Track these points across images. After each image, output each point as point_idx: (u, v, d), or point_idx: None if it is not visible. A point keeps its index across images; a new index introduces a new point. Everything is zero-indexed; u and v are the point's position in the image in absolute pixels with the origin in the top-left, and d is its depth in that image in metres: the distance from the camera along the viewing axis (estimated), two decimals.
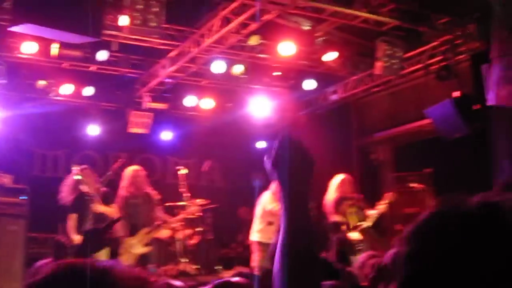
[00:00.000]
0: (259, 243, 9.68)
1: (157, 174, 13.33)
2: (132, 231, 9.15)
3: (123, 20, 8.33)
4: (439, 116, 9.66)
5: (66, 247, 8.06)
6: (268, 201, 9.67)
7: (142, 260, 9.00)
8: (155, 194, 9.50)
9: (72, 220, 8.38)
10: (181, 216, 10.08)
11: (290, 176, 1.82)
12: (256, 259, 9.47)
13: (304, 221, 1.68)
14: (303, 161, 1.76)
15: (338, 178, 9.80)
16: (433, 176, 10.69)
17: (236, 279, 3.09)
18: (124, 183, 9.44)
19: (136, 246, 9.09)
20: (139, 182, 9.44)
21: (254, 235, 9.83)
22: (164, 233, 9.69)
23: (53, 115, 11.95)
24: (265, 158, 1.93)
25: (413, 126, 11.88)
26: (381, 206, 9.54)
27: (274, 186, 9.57)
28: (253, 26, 9.20)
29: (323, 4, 8.41)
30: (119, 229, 9.07)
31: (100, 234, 7.57)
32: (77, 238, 8.12)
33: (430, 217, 1.09)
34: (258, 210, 9.81)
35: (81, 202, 8.32)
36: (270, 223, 9.61)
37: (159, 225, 9.37)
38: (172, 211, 10.17)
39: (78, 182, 8.18)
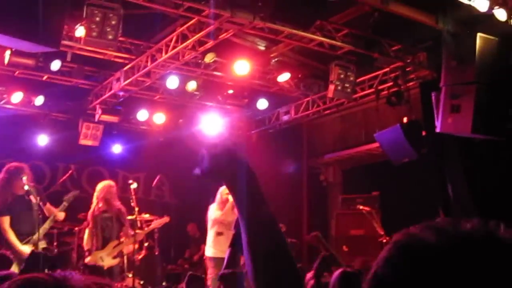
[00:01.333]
0: (211, 258, 9.62)
1: None
2: (103, 244, 9.32)
3: (80, 31, 8.29)
4: (388, 141, 9.87)
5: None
6: (213, 211, 9.73)
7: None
8: (124, 209, 9.62)
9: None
10: (146, 229, 10.25)
11: (230, 175, 1.85)
12: (209, 277, 9.38)
13: (261, 213, 1.69)
14: (235, 160, 1.80)
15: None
16: (380, 199, 10.90)
17: None
18: (97, 197, 9.54)
19: (105, 259, 9.26)
20: (112, 197, 9.53)
21: (207, 250, 9.80)
22: (129, 247, 9.71)
23: (2, 123, 11.74)
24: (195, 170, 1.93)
25: (362, 149, 12.12)
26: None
27: (218, 196, 9.64)
28: (209, 43, 9.26)
29: (280, 26, 8.51)
30: (88, 241, 9.30)
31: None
32: (25, 250, 7.97)
33: (395, 249, 1.13)
34: (208, 223, 9.83)
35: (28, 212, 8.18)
36: (219, 234, 9.59)
37: (129, 238, 9.49)
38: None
39: (27, 192, 8.04)
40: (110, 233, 9.43)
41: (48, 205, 8.74)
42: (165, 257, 12.22)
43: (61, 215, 8.96)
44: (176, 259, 12.79)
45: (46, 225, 8.54)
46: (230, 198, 9.62)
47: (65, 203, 9.05)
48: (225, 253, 9.22)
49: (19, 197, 8.29)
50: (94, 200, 9.56)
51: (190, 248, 13.00)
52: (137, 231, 9.74)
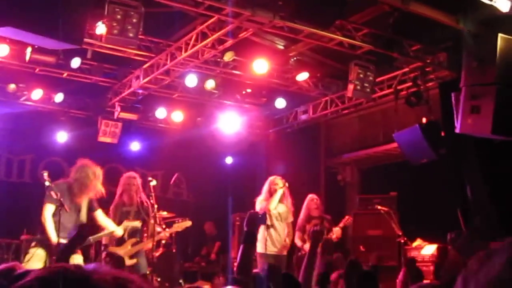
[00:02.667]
0: (262, 254, 9.40)
1: None
2: (119, 241, 8.81)
3: (101, 29, 8.34)
4: (407, 141, 9.83)
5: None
6: (260, 203, 9.61)
7: None
8: (149, 204, 9.04)
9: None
10: (168, 231, 9.78)
11: None
12: None
13: None
14: None
15: (308, 198, 9.95)
16: (398, 200, 10.86)
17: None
18: (118, 189, 9.20)
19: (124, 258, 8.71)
20: (132, 189, 9.03)
21: (258, 246, 9.39)
22: (148, 245, 9.16)
23: (22, 119, 11.85)
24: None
25: (380, 149, 12.09)
26: (337, 229, 9.68)
27: (265, 187, 9.55)
28: (229, 42, 9.28)
29: (300, 25, 8.52)
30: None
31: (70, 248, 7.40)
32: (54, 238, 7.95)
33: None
34: None
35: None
36: (269, 226, 9.42)
37: (152, 237, 8.95)
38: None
39: (48, 188, 8.05)
40: (129, 229, 8.84)
41: (98, 212, 8.55)
42: (182, 254, 12.27)
43: (120, 233, 8.68)
44: (193, 257, 12.83)
45: (100, 235, 8.44)
46: (279, 189, 9.59)
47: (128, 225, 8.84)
48: (277, 248, 9.22)
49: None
50: (118, 192, 9.20)
51: (207, 246, 13.04)
52: (160, 232, 9.46)
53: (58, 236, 7.68)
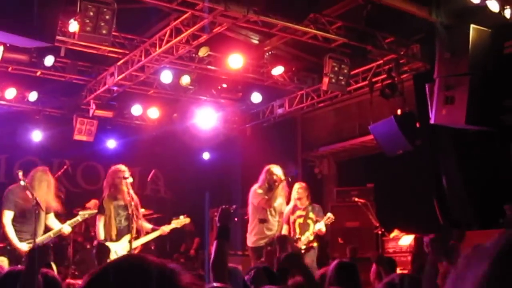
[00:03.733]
0: (253, 248, 9.23)
1: (101, 182, 13.17)
2: (117, 236, 8.54)
3: (73, 26, 8.28)
4: (382, 133, 9.90)
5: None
6: (256, 194, 9.26)
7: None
8: (137, 199, 8.81)
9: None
10: (166, 228, 9.27)
11: None
12: None
13: None
14: None
15: (295, 187, 9.72)
16: (375, 191, 10.94)
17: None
18: (106, 182, 8.84)
19: (120, 254, 8.28)
20: (122, 183, 8.61)
21: (248, 239, 9.32)
22: (145, 241, 8.97)
23: None
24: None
25: (356, 141, 12.16)
26: (320, 227, 9.51)
27: (263, 176, 9.34)
28: (203, 37, 9.26)
29: (274, 20, 8.53)
30: (102, 232, 8.53)
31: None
32: (23, 247, 7.92)
33: None
34: (250, 207, 9.36)
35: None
36: (262, 221, 9.18)
37: (143, 234, 8.78)
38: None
39: (24, 188, 7.99)
40: (123, 223, 8.58)
41: (51, 215, 8.48)
42: (161, 251, 12.23)
43: (67, 230, 8.55)
44: (172, 254, 12.80)
45: (50, 234, 8.30)
46: (281, 184, 9.26)
47: (78, 218, 8.67)
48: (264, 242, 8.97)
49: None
50: (104, 185, 8.87)
51: (185, 243, 13.01)
52: (163, 227, 9.11)
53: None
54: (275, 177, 9.20)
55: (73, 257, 10.35)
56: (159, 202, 12.90)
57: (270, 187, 9.27)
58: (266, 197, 9.20)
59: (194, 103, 12.94)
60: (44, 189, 8.27)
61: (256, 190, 9.33)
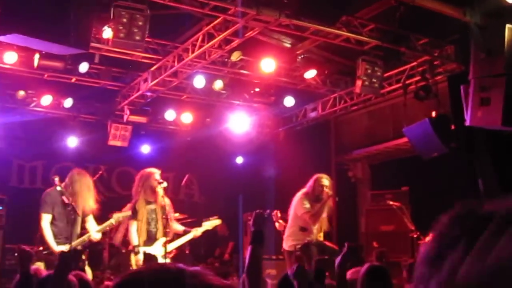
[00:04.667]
0: (288, 252, 9.12)
1: None
2: (148, 240, 8.63)
3: (107, 33, 8.36)
4: (417, 135, 9.80)
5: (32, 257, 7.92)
6: (302, 203, 9.08)
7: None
8: (170, 202, 8.94)
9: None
10: (198, 230, 9.37)
11: None
12: None
13: None
14: None
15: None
16: (410, 194, 10.83)
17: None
18: (138, 186, 8.91)
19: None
20: (155, 186, 8.73)
21: (285, 242, 9.24)
22: (179, 244, 9.09)
23: (32, 125, 11.92)
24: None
25: (391, 144, 12.03)
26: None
27: (311, 183, 9.12)
28: (236, 42, 9.29)
29: (306, 23, 8.51)
30: (135, 237, 8.59)
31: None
32: (58, 249, 8.03)
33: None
34: (291, 212, 9.23)
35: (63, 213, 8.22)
36: (303, 229, 9.03)
37: (179, 235, 8.88)
38: None
39: (60, 193, 8.11)
40: (156, 227, 8.68)
41: (89, 217, 8.57)
42: (195, 256, 12.28)
43: (96, 236, 8.59)
44: (207, 258, 12.85)
45: (84, 239, 8.38)
46: (328, 195, 9.18)
47: (112, 221, 8.68)
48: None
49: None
50: (135, 190, 8.93)
51: (220, 247, 13.05)
52: (193, 230, 9.21)
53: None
54: (321, 188, 9.10)
55: (108, 262, 10.44)
56: (193, 206, 12.95)
57: (317, 197, 9.14)
58: (312, 211, 9.03)
59: (227, 107, 12.98)
60: (83, 190, 8.35)
61: (302, 200, 9.15)
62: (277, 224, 9.63)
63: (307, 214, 9.01)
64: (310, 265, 6.26)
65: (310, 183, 9.26)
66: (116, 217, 8.72)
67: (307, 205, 9.08)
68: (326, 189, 9.12)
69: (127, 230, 9.11)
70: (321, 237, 9.36)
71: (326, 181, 9.25)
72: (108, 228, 8.86)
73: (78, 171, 8.72)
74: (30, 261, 4.62)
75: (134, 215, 8.71)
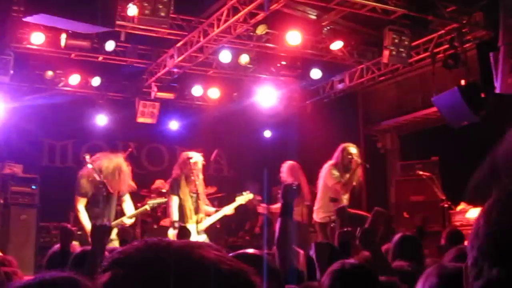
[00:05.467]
0: (320, 224, 9.03)
1: (165, 163, 13.40)
2: (190, 217, 8.62)
3: (132, 10, 8.38)
4: (446, 105, 9.70)
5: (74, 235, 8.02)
6: (331, 174, 8.94)
7: None
8: (203, 183, 8.96)
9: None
10: (235, 204, 9.40)
11: None
12: None
13: None
14: None
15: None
16: (440, 164, 10.74)
17: (251, 251, 3.14)
18: (180, 164, 8.86)
19: (192, 235, 8.28)
20: (195, 168, 8.69)
21: (316, 214, 9.15)
22: (211, 221, 9.02)
23: (61, 105, 12.04)
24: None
25: (419, 114, 11.94)
26: None
27: (339, 154, 9.00)
28: (261, 15, 9.23)
29: None
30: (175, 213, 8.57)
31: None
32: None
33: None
34: (320, 183, 9.13)
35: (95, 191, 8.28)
36: (333, 200, 8.86)
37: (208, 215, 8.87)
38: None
39: (92, 170, 8.17)
40: (195, 205, 8.66)
41: (126, 197, 8.58)
42: (226, 230, 12.38)
43: (129, 222, 8.56)
44: (237, 232, 12.94)
45: (112, 226, 8.39)
46: (358, 164, 9.07)
47: (147, 207, 8.74)
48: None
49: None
50: (177, 166, 8.88)
51: (250, 220, 13.12)
52: (224, 208, 9.19)
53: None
54: (350, 157, 9.01)
55: (141, 238, 10.57)
56: (222, 181, 13.01)
57: (346, 167, 9.01)
58: (343, 180, 8.94)
59: (254, 81, 12.96)
60: (114, 172, 8.37)
61: (331, 170, 9.03)
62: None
63: (338, 184, 8.93)
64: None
65: (337, 153, 9.15)
66: (151, 203, 8.77)
67: (337, 175, 8.98)
68: (355, 157, 9.03)
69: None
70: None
71: (353, 149, 9.14)
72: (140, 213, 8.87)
73: (109, 152, 8.75)
74: (71, 238, 4.80)
75: (173, 190, 8.70)
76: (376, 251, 4.42)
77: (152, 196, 10.93)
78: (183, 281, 1.07)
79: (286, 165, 9.49)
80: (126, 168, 8.54)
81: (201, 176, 8.86)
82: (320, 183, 9.18)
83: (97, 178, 8.05)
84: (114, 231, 7.99)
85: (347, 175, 8.97)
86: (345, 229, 5.03)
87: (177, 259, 1.10)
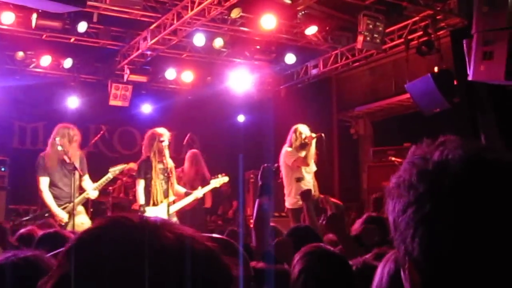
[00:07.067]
0: (292, 210, 8.88)
1: (138, 147, 13.28)
2: (159, 199, 8.54)
3: None
4: (419, 91, 9.74)
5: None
6: (288, 155, 8.90)
7: None
8: (173, 164, 8.87)
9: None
10: (206, 188, 9.34)
11: None
12: None
13: None
14: None
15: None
16: None
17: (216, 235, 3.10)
18: (145, 145, 8.76)
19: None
20: (162, 147, 8.57)
21: (286, 201, 9.06)
22: (185, 203, 8.99)
23: (32, 87, 11.88)
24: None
25: (393, 100, 11.99)
26: None
27: (293, 136, 8.94)
28: None
29: None
30: (142, 196, 8.52)
31: None
32: (60, 213, 8.07)
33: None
34: (282, 169, 9.03)
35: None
36: (298, 179, 8.86)
37: (181, 197, 8.85)
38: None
39: (61, 153, 8.09)
40: (165, 187, 8.53)
41: (86, 177, 8.51)
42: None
43: (94, 194, 8.53)
44: (210, 216, 12.90)
45: (78, 200, 8.30)
46: (312, 141, 8.88)
47: (109, 175, 8.61)
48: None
49: (63, 161, 8.24)
50: (144, 148, 8.80)
51: (223, 205, 13.09)
52: (195, 191, 9.09)
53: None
54: (303, 135, 9.01)
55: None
56: None
57: (302, 145, 8.96)
58: (301, 155, 8.99)
59: (228, 65, 12.90)
60: (73, 145, 8.29)
61: (287, 150, 9.01)
62: None
63: (298, 159, 8.93)
64: (310, 213, 6.23)
65: (290, 135, 9.10)
66: (112, 171, 8.67)
67: (294, 153, 8.94)
68: (306, 136, 9.00)
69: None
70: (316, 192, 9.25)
71: (304, 128, 9.06)
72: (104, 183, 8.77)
73: (63, 125, 8.60)
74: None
75: (140, 173, 8.62)
76: (341, 234, 4.45)
77: (124, 180, 10.86)
78: (156, 261, 1.03)
79: (188, 153, 9.33)
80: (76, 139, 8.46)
81: (168, 152, 8.75)
82: (282, 169, 9.12)
83: (67, 160, 7.98)
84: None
85: (304, 152, 8.96)
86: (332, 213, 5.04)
87: (150, 238, 1.06)
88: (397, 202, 1.11)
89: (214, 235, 3.13)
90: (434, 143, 1.13)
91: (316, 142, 9.03)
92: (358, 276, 3.08)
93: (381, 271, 1.95)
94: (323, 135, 9.01)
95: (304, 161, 8.92)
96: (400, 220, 1.09)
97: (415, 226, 1.06)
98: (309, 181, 9.07)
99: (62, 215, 8.02)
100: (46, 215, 7.96)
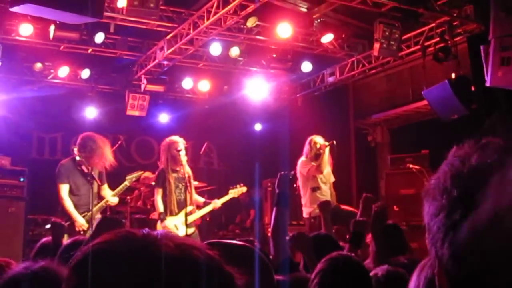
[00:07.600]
0: (307, 219, 9.02)
1: (155, 156, 13.34)
2: (178, 209, 8.56)
3: (121, 1, 8.31)
4: (437, 98, 9.69)
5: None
6: (304, 165, 9.08)
7: None
8: (191, 173, 8.91)
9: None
10: (228, 197, 9.45)
11: None
12: None
13: None
14: None
15: None
16: (430, 157, 10.75)
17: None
18: (162, 154, 8.84)
19: (180, 228, 8.43)
20: (179, 155, 8.59)
21: (304, 211, 9.17)
22: (202, 213, 9.09)
23: (51, 97, 11.98)
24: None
25: (410, 107, 11.94)
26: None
27: (307, 147, 9.18)
28: (251, 7, 9.18)
29: None
30: (161, 205, 8.55)
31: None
32: (81, 221, 8.13)
33: None
34: (299, 180, 9.18)
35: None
36: (314, 189, 9.03)
37: (199, 207, 8.89)
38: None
39: (78, 163, 8.15)
40: (183, 196, 8.55)
41: (105, 186, 8.56)
42: (216, 223, 12.36)
43: (114, 201, 8.60)
44: (227, 225, 12.91)
45: (97, 208, 8.37)
46: (326, 149, 9.10)
47: (126, 183, 8.68)
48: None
49: (82, 171, 8.29)
50: (161, 158, 8.86)
51: (240, 214, 13.09)
52: (215, 200, 9.16)
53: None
54: (318, 145, 9.10)
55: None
56: (212, 174, 12.98)
57: (316, 155, 9.13)
58: (315, 164, 9.07)
59: (244, 74, 12.92)
60: (93, 155, 8.35)
61: (302, 160, 9.22)
62: None
63: (311, 168, 9.04)
64: (327, 225, 6.22)
65: (306, 147, 9.32)
66: (129, 178, 8.74)
67: (308, 162, 9.14)
68: (320, 146, 9.10)
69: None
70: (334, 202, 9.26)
71: (319, 138, 9.28)
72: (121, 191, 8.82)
73: (85, 135, 8.68)
74: (63, 233, 4.79)
75: (159, 183, 8.69)
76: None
77: (141, 189, 10.90)
78: (157, 270, 1.04)
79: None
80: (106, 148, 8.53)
81: (185, 160, 8.76)
82: (299, 179, 9.22)
83: (85, 170, 8.04)
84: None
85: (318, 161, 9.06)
86: (361, 219, 5.04)
87: (152, 249, 1.07)
88: (431, 205, 1.10)
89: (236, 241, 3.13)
90: (476, 145, 1.10)
91: (329, 150, 9.10)
92: (382, 284, 3.07)
93: (417, 278, 1.93)
94: (334, 142, 9.09)
95: (318, 169, 9.02)
96: (433, 223, 1.08)
97: (445, 231, 1.04)
98: (326, 191, 9.13)
99: (82, 221, 8.09)
100: (68, 223, 8.00)
